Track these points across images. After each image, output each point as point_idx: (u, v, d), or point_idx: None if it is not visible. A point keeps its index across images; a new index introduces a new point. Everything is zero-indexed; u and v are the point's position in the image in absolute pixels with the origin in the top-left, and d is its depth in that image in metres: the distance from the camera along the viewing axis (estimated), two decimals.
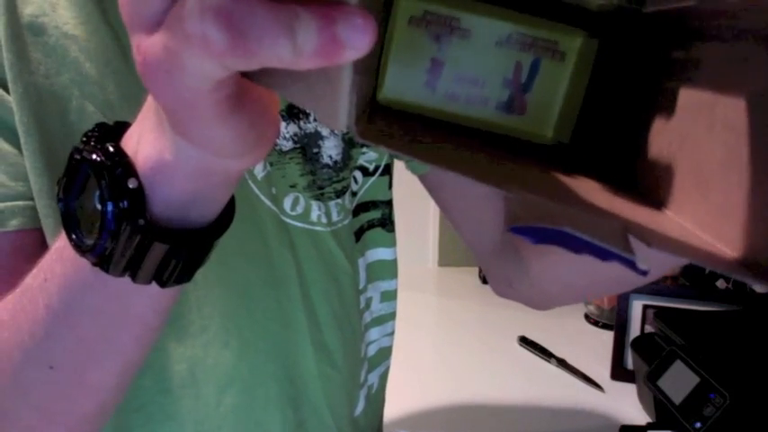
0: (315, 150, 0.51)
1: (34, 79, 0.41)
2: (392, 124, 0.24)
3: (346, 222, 0.54)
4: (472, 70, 0.26)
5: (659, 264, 0.42)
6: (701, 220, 0.20)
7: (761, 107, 0.18)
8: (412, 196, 0.81)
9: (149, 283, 0.30)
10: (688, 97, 0.22)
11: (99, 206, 0.27)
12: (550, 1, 0.25)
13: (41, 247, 0.40)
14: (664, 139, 0.23)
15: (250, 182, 0.48)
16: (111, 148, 0.27)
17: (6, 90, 0.41)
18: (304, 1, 0.17)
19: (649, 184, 0.23)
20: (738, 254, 0.18)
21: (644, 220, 0.20)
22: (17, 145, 0.41)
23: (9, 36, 0.41)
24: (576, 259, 0.49)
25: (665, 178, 0.22)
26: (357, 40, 0.17)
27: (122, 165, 0.27)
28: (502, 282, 0.61)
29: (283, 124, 0.50)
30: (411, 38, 0.26)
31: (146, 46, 0.20)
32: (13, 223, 0.40)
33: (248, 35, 0.17)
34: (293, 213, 0.50)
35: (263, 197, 0.48)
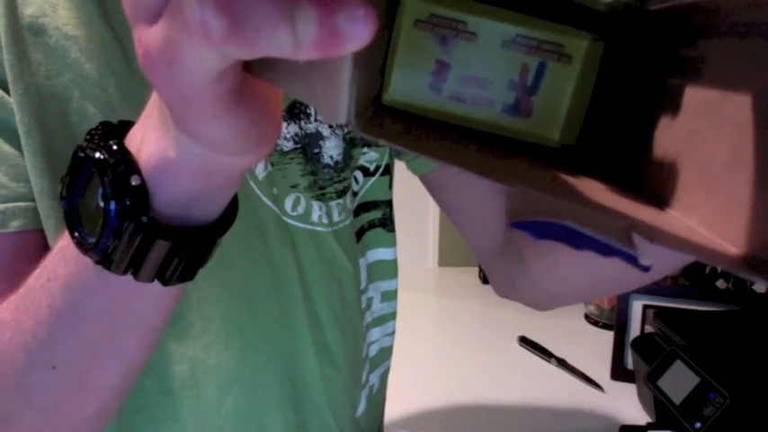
0: (316, 150, 0.51)
1: (35, 80, 0.41)
2: (396, 123, 0.24)
3: (347, 222, 0.54)
4: (478, 73, 0.26)
5: (662, 262, 0.42)
6: (706, 219, 0.20)
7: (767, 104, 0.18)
8: (412, 196, 0.81)
9: (152, 281, 0.30)
10: (694, 95, 0.22)
11: (102, 204, 0.27)
12: (556, 2, 0.25)
13: (43, 248, 0.40)
14: (670, 137, 0.23)
15: (251, 182, 0.48)
16: (114, 146, 0.27)
17: (7, 91, 0.41)
18: None
19: (655, 184, 0.23)
20: (742, 251, 0.18)
21: (647, 218, 0.20)
22: (18, 146, 0.41)
23: (10, 37, 0.41)
24: (578, 260, 0.49)
25: (671, 177, 0.22)
26: (357, 31, 0.17)
27: (126, 162, 0.27)
28: (503, 282, 0.61)
29: (284, 125, 0.49)
30: (417, 40, 0.26)
31: (147, 37, 0.20)
32: (15, 224, 0.40)
33: (247, 24, 0.17)
34: (294, 214, 0.50)
35: (264, 197, 0.48)
